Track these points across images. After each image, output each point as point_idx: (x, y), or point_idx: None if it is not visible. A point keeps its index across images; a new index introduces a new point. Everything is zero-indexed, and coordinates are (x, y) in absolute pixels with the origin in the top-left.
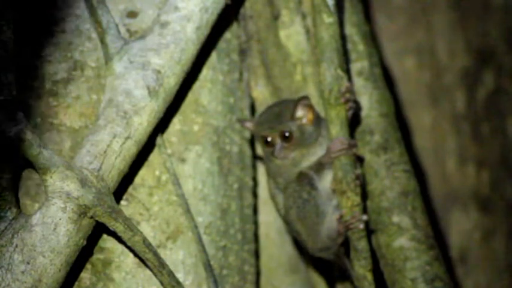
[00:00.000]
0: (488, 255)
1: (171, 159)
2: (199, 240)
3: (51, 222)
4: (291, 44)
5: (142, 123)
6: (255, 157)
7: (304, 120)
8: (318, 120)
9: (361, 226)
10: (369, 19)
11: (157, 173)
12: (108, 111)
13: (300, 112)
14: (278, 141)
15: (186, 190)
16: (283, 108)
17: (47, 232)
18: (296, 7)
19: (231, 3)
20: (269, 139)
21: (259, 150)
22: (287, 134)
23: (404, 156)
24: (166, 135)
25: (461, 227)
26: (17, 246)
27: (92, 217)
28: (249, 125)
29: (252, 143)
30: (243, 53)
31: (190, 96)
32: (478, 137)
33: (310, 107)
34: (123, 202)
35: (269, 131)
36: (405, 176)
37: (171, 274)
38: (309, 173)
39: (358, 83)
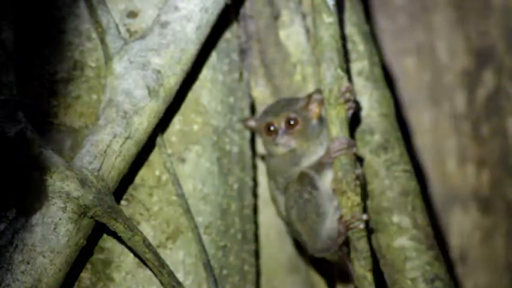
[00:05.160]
0: (488, 255)
1: (171, 159)
2: (199, 240)
3: (51, 222)
4: (291, 44)
5: (143, 123)
6: (255, 157)
7: (311, 113)
8: (322, 120)
9: (361, 226)
10: (369, 19)
11: (157, 173)
12: (108, 111)
13: (311, 104)
14: (282, 127)
15: (186, 190)
16: (290, 101)
17: (47, 232)
18: (296, 7)
19: (231, 3)
20: (272, 127)
21: (260, 149)
22: (292, 121)
23: (404, 156)
24: (166, 135)
25: (461, 227)
26: (17, 246)
27: (92, 217)
28: (251, 122)
29: (252, 143)
30: (243, 53)
31: (190, 96)
32: (478, 137)
33: (321, 102)
34: (123, 202)
35: (274, 117)
36: (405, 176)
37: (171, 274)
38: (310, 172)
39: (358, 83)
